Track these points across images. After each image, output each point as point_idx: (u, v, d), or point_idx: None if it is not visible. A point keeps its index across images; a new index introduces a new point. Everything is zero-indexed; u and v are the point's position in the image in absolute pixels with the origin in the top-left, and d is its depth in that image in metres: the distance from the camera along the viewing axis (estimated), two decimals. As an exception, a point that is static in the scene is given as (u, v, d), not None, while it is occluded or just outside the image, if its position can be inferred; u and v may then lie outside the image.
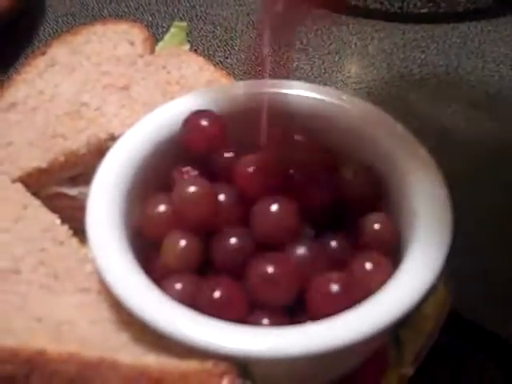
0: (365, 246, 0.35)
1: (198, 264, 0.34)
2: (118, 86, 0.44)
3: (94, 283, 0.35)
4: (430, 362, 0.37)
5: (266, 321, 0.32)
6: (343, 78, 0.57)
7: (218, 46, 0.60)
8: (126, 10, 0.63)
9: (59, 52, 0.47)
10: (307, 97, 0.39)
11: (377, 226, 0.35)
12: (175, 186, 0.35)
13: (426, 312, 0.37)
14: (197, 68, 0.46)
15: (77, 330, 0.33)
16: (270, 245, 0.34)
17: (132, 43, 0.47)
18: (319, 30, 0.61)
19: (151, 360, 0.31)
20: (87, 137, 0.41)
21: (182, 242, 0.34)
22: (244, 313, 0.32)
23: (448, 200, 0.34)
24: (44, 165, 0.41)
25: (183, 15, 0.62)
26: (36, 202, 0.39)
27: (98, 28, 0.49)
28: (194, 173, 0.37)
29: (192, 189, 0.34)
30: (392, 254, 0.34)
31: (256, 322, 0.32)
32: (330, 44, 0.60)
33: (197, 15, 0.62)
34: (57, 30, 0.61)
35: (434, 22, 0.61)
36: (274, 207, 0.34)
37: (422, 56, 0.58)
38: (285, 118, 0.39)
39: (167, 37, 0.50)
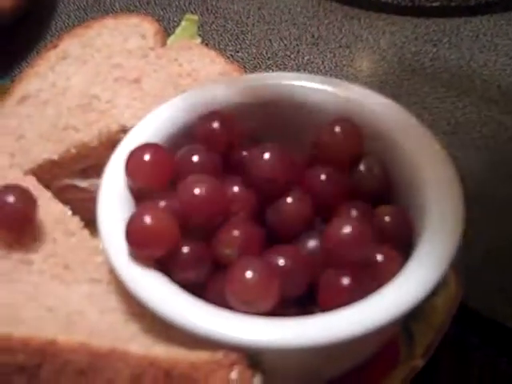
0: (376, 238, 0.34)
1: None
2: (129, 78, 0.44)
3: (105, 274, 0.35)
4: (441, 354, 0.37)
5: (276, 312, 0.31)
6: (354, 72, 0.57)
7: (229, 40, 0.60)
8: (137, 3, 0.63)
9: (71, 45, 0.47)
10: (318, 89, 0.39)
11: (388, 219, 0.35)
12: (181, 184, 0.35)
13: (436, 305, 0.37)
14: (208, 61, 0.46)
15: (87, 321, 0.33)
16: (283, 235, 0.34)
17: (143, 36, 0.47)
18: (330, 24, 0.60)
19: (161, 350, 0.31)
20: (98, 129, 0.41)
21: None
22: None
23: (460, 193, 0.34)
24: (55, 157, 0.41)
25: (194, 9, 0.62)
26: (47, 194, 0.39)
27: (110, 21, 0.49)
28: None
29: (198, 190, 0.33)
30: (403, 246, 0.34)
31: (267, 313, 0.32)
32: (342, 38, 0.59)
33: (208, 9, 0.62)
34: (68, 25, 0.61)
35: (446, 15, 0.60)
36: (290, 198, 0.34)
37: (434, 50, 0.58)
38: (295, 110, 0.39)
39: (178, 30, 0.50)
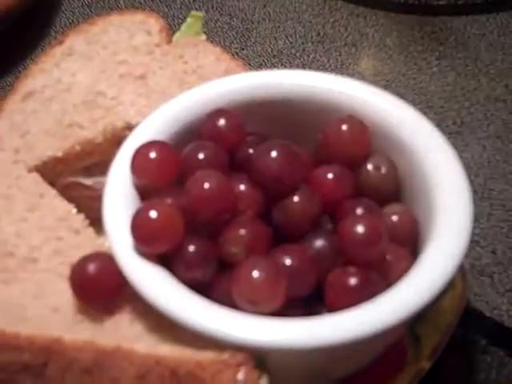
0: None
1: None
2: (134, 75, 0.44)
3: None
4: (448, 356, 0.37)
5: (283, 312, 0.31)
6: (360, 70, 0.56)
7: (234, 38, 0.59)
8: (142, 0, 0.63)
9: (76, 41, 0.47)
10: (324, 87, 0.39)
11: (396, 218, 0.34)
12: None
13: (443, 307, 0.37)
14: (213, 58, 0.46)
15: (92, 319, 0.33)
16: (289, 235, 0.33)
17: (149, 33, 0.47)
18: (336, 22, 0.60)
19: (167, 350, 0.31)
20: (104, 126, 0.41)
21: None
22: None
23: (468, 192, 0.34)
24: (60, 154, 0.41)
25: (199, 6, 0.62)
26: (52, 192, 0.39)
27: (115, 18, 0.49)
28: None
29: (208, 185, 0.33)
30: (411, 245, 0.34)
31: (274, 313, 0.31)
32: (347, 36, 0.59)
33: (213, 6, 0.62)
34: (73, 21, 0.61)
35: (453, 13, 0.60)
36: (297, 197, 0.34)
37: (441, 48, 0.58)
38: (301, 108, 0.38)
39: (183, 27, 0.50)
